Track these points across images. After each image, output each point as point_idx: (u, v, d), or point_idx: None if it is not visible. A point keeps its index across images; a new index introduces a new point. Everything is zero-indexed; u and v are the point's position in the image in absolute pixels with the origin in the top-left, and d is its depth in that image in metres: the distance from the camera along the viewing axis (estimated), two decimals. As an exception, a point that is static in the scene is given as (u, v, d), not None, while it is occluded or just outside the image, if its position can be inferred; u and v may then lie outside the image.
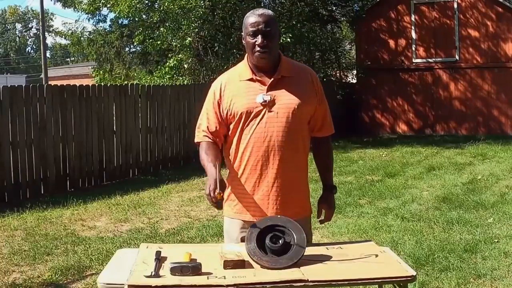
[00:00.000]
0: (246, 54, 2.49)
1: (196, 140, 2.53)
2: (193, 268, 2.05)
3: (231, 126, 2.45)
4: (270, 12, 2.45)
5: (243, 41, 2.47)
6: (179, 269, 2.04)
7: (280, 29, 12.14)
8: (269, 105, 2.39)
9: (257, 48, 2.38)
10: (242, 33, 2.47)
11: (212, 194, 2.18)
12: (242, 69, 2.50)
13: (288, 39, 12.15)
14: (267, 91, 2.41)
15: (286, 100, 2.41)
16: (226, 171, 2.55)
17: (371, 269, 2.12)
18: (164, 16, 12.84)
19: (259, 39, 2.37)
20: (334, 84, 16.63)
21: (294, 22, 13.09)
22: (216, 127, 2.47)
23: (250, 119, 2.40)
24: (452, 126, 15.80)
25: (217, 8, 13.07)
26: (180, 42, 12.56)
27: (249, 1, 12.90)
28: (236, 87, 2.45)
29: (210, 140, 2.47)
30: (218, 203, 2.20)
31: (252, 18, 2.40)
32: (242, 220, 2.48)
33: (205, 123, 2.49)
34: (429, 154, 11.43)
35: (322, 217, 2.66)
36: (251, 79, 2.45)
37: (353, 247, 2.41)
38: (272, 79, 2.42)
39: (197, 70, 13.37)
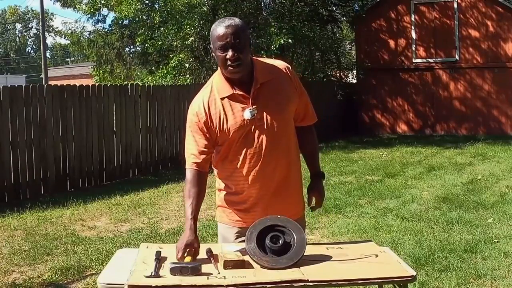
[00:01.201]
0: (219, 67, 2.39)
1: (187, 166, 2.40)
2: (193, 268, 2.04)
3: (224, 144, 2.38)
4: (237, 21, 2.32)
5: (213, 54, 2.37)
6: (178, 270, 2.04)
7: (277, 30, 12.18)
8: (257, 118, 2.34)
9: (229, 63, 2.29)
10: (211, 46, 2.36)
11: (178, 258, 2.16)
12: (219, 84, 2.38)
13: (290, 40, 12.16)
14: (252, 105, 2.34)
15: (273, 109, 2.37)
16: (212, 176, 2.53)
17: (371, 269, 2.12)
18: (166, 17, 12.84)
19: (229, 53, 2.26)
20: (334, 84, 16.65)
21: (295, 23, 13.09)
22: (205, 149, 2.37)
23: (242, 136, 2.35)
24: (452, 126, 15.80)
25: (219, 8, 13.07)
26: (180, 42, 12.56)
27: (250, 1, 12.90)
28: (220, 106, 2.35)
29: (196, 168, 2.36)
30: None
31: (219, 30, 2.28)
32: (238, 227, 2.47)
33: (194, 146, 2.38)
34: (429, 154, 11.43)
35: (313, 204, 2.63)
36: (232, 95, 2.35)
37: (353, 247, 2.41)
38: (253, 90, 2.35)
39: (197, 70, 13.38)
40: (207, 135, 2.37)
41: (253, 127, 2.35)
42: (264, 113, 2.35)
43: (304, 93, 2.51)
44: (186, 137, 2.43)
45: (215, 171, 2.53)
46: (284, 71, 2.45)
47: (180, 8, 12.34)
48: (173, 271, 2.04)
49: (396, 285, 2.15)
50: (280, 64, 2.48)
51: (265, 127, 2.36)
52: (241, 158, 2.37)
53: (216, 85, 2.40)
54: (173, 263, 2.08)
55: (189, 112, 2.43)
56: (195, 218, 2.28)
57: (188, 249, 2.17)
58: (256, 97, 2.35)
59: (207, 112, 2.36)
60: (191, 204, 2.30)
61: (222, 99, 2.36)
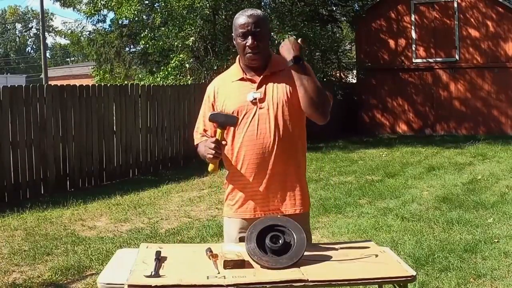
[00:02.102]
0: (238, 55, 2.51)
1: (195, 142, 2.59)
2: (229, 117, 2.37)
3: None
4: (259, 12, 2.45)
5: (234, 42, 2.49)
6: (214, 116, 2.38)
7: (279, 28, 12.19)
8: (259, 102, 2.42)
9: (248, 50, 2.40)
10: (233, 34, 2.48)
11: (210, 149, 2.34)
12: (234, 70, 2.54)
13: (294, 38, 12.14)
14: (257, 89, 2.44)
15: (276, 95, 2.43)
16: (225, 171, 2.56)
17: (371, 269, 2.12)
18: (166, 18, 12.83)
19: (249, 41, 2.39)
20: (334, 84, 16.64)
21: (298, 22, 13.09)
22: (212, 129, 2.50)
23: (242, 118, 2.43)
24: (452, 126, 15.81)
25: (220, 9, 13.07)
26: (181, 42, 12.55)
27: (250, 1, 12.89)
28: (228, 89, 2.50)
29: None
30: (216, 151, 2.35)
31: (241, 19, 2.41)
32: (242, 219, 2.49)
33: (202, 126, 2.56)
34: (429, 154, 11.44)
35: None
36: (241, 79, 2.48)
37: (353, 247, 2.41)
38: (262, 76, 2.45)
39: (198, 70, 13.38)
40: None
41: (254, 110, 2.42)
42: (268, 99, 2.43)
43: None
44: (199, 115, 2.61)
45: (225, 162, 2.55)
46: None
47: (181, 10, 12.33)
48: (212, 117, 2.38)
49: (396, 285, 2.16)
50: None
51: (267, 113, 2.42)
52: (240, 141, 2.44)
53: (232, 70, 2.56)
54: (212, 113, 2.36)
55: (205, 93, 2.60)
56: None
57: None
58: (264, 83, 2.45)
59: (216, 94, 2.52)
60: None
61: (233, 82, 2.49)
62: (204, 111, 2.56)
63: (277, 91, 2.44)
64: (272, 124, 2.41)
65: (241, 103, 2.43)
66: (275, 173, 2.43)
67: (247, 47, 2.40)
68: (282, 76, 2.46)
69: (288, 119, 2.44)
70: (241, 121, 2.43)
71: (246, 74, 2.48)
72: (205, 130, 2.55)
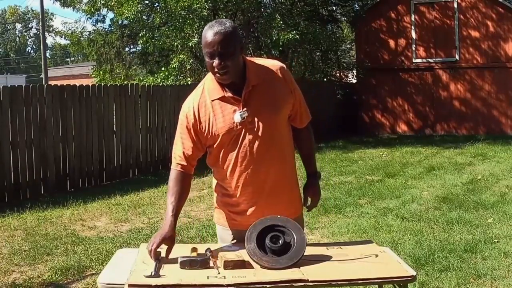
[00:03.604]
0: None
1: (173, 166, 2.45)
2: (202, 262, 2.09)
3: (214, 146, 2.36)
4: (227, 26, 2.23)
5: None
6: (188, 263, 2.07)
7: (282, 27, 12.16)
8: (248, 121, 2.30)
9: (216, 70, 2.25)
10: (202, 47, 2.29)
11: (152, 253, 2.17)
12: (210, 87, 2.34)
13: (297, 36, 12.15)
14: (242, 107, 2.29)
15: (264, 112, 2.32)
16: (211, 177, 2.52)
17: (371, 269, 2.12)
18: (166, 19, 12.82)
19: (216, 61, 2.21)
20: (334, 84, 16.66)
21: (300, 20, 13.08)
22: (191, 152, 2.37)
23: (232, 138, 2.32)
24: (452, 126, 15.82)
25: (219, 9, 13.07)
26: (181, 43, 12.55)
27: (250, 1, 12.89)
28: (210, 108, 2.32)
29: (181, 170, 2.40)
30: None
31: (208, 36, 2.21)
32: (234, 229, 2.46)
33: (180, 148, 2.38)
34: (429, 154, 11.44)
35: (309, 204, 2.62)
36: (222, 97, 2.31)
37: (353, 247, 2.41)
38: (244, 93, 2.30)
39: (198, 70, 13.38)
40: (195, 138, 2.35)
41: (243, 130, 2.31)
42: (256, 116, 2.31)
43: (299, 92, 2.45)
44: (176, 137, 2.43)
45: (212, 171, 2.51)
46: (277, 72, 2.38)
47: (180, 11, 12.33)
48: (183, 264, 2.07)
49: (396, 285, 2.16)
50: (274, 64, 2.42)
51: (256, 130, 2.31)
52: (232, 161, 2.34)
53: (208, 87, 2.36)
54: (183, 256, 2.12)
55: (180, 113, 2.42)
56: (175, 215, 2.33)
57: (163, 243, 2.20)
58: (248, 99, 2.31)
59: (196, 115, 2.34)
60: (173, 202, 2.37)
61: (213, 101, 2.33)
62: (181, 132, 2.37)
63: (264, 108, 2.32)
64: (264, 140, 2.31)
65: (229, 124, 2.29)
66: (271, 190, 2.37)
67: (214, 67, 2.23)
68: (265, 89, 2.33)
69: (279, 133, 2.37)
70: (232, 142, 2.32)
71: (225, 91, 2.30)
72: (185, 154, 2.37)
